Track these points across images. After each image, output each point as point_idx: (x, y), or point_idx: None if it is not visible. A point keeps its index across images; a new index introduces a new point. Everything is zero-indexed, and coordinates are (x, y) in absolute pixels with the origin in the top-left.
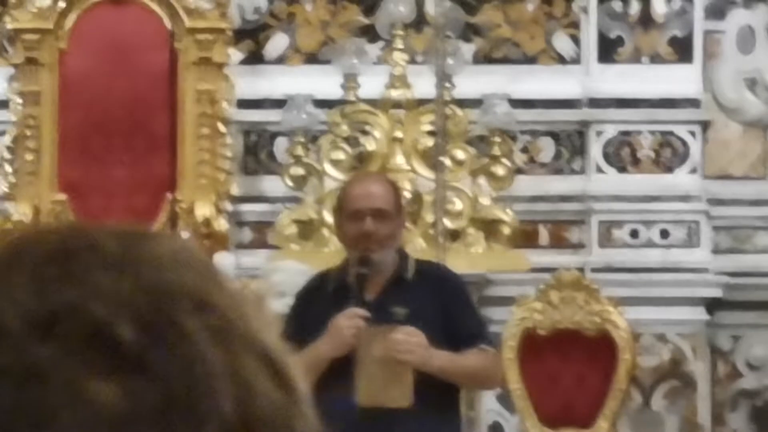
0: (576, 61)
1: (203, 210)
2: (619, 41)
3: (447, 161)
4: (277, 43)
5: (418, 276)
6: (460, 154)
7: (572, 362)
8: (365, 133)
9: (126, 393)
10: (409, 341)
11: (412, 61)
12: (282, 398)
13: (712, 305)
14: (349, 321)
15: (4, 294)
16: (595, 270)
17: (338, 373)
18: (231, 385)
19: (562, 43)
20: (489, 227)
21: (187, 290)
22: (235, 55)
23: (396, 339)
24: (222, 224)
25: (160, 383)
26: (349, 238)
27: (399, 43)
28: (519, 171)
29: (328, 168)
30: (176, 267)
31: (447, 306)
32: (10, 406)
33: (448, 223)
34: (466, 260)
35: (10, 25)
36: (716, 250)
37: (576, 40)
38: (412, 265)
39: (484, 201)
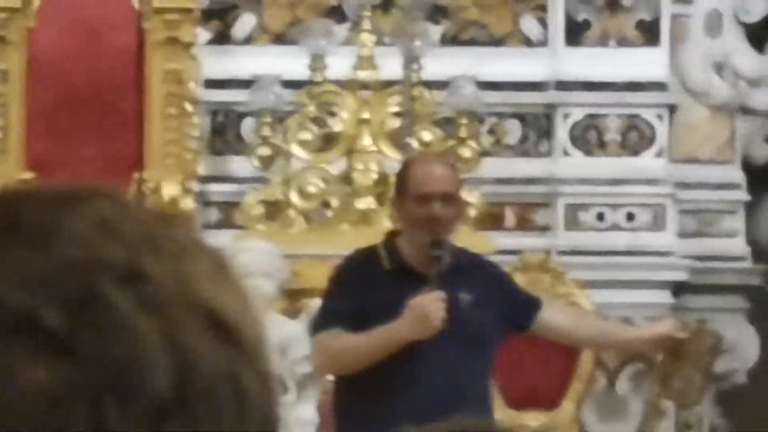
0: (543, 43)
1: (170, 190)
2: (587, 24)
3: (414, 143)
4: (244, 23)
5: (471, 265)
6: (426, 136)
7: (537, 345)
8: (332, 114)
9: (54, 377)
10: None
11: (380, 42)
12: (228, 356)
13: (678, 289)
14: (434, 304)
15: None
16: (561, 253)
17: (407, 359)
18: (167, 355)
19: (529, 25)
20: None
21: (113, 262)
22: (203, 34)
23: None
24: (189, 204)
25: (88, 364)
26: (416, 220)
27: (367, 24)
28: (485, 153)
29: (295, 149)
30: (102, 238)
31: (503, 290)
32: None
33: None
34: None
35: None
36: (682, 234)
37: (543, 22)
38: (460, 250)
39: None
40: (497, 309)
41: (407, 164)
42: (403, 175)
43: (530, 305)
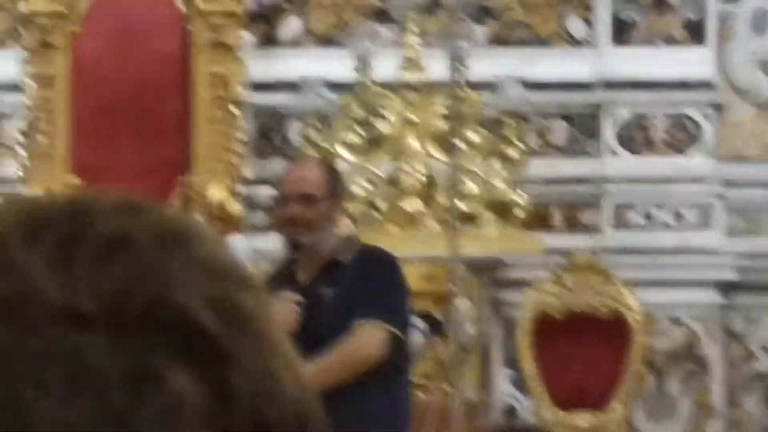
0: (589, 43)
1: (217, 193)
2: (633, 23)
3: (460, 144)
4: (290, 26)
5: (356, 260)
6: (473, 137)
7: (586, 345)
8: (378, 116)
9: (218, 386)
10: None
11: (426, 43)
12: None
13: (726, 288)
14: (283, 306)
15: (69, 275)
16: (608, 252)
17: None
18: (285, 366)
19: (575, 25)
20: (502, 210)
21: (236, 267)
22: (249, 37)
23: None
24: (235, 207)
25: (247, 374)
26: (276, 223)
27: (412, 26)
28: (532, 153)
29: (342, 151)
30: (216, 242)
31: (359, 284)
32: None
33: (461, 205)
34: (480, 243)
35: (23, 9)
36: (730, 233)
37: (589, 22)
38: (355, 249)
39: (498, 184)
40: (351, 302)
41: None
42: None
43: (362, 309)
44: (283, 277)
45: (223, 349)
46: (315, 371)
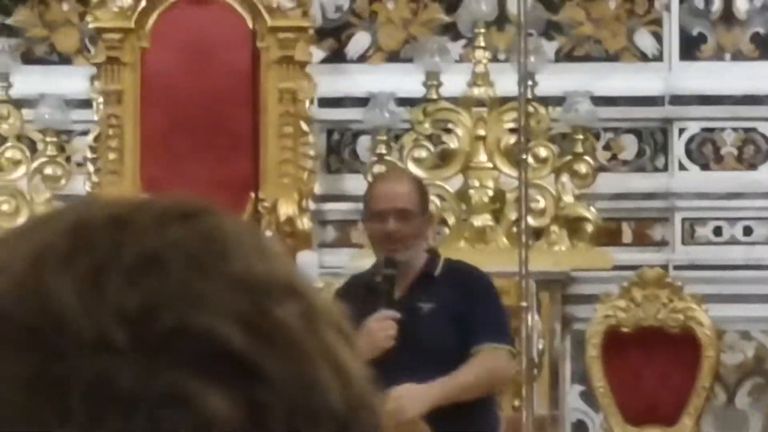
0: (658, 58)
1: (286, 209)
2: (702, 38)
3: (530, 159)
4: (359, 42)
5: (446, 274)
6: (542, 152)
7: (656, 360)
8: (448, 131)
9: (250, 405)
10: (401, 401)
11: (494, 58)
12: (362, 369)
13: None
14: (380, 324)
15: (100, 301)
16: (678, 267)
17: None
18: (332, 372)
19: (644, 40)
20: (572, 225)
21: (274, 278)
22: (317, 53)
23: (392, 405)
24: (305, 223)
25: (278, 386)
26: (373, 238)
27: (481, 41)
28: (602, 168)
29: (411, 166)
30: (255, 253)
31: (466, 304)
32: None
33: (531, 221)
34: (550, 258)
35: (92, 25)
36: None
37: (658, 37)
38: (442, 264)
39: (567, 199)
40: (454, 318)
41: (369, 184)
42: (365, 196)
43: (481, 333)
44: (379, 292)
45: (253, 366)
46: (455, 387)
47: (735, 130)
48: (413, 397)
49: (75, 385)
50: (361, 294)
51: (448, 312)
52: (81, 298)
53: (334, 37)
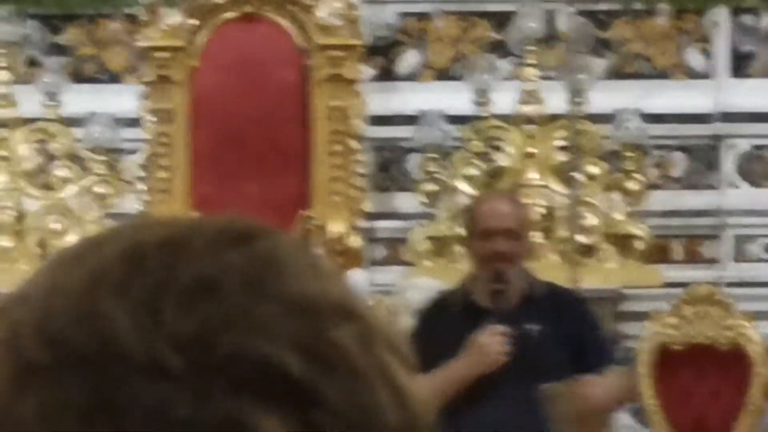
0: (707, 75)
1: (336, 227)
2: (751, 55)
3: (580, 176)
4: (408, 59)
5: (548, 296)
6: (592, 169)
7: (706, 377)
8: (498, 148)
9: (307, 430)
10: (588, 390)
11: (544, 76)
12: (416, 387)
13: None
14: (492, 338)
15: (155, 326)
16: (729, 285)
17: (472, 394)
18: (388, 394)
19: (693, 57)
20: (622, 242)
21: (330, 299)
22: (367, 71)
23: (585, 392)
24: (356, 241)
25: (337, 412)
26: (480, 256)
27: (531, 59)
28: (652, 186)
29: (461, 184)
30: (311, 274)
31: (577, 328)
32: None
33: (581, 238)
34: (600, 276)
35: (141, 43)
36: None
37: (708, 54)
38: (540, 284)
39: (618, 216)
40: (565, 342)
41: (474, 202)
42: (470, 214)
43: (600, 357)
44: (477, 309)
45: (310, 391)
46: (625, 391)
47: None
48: (600, 386)
49: (132, 412)
50: (459, 311)
51: (556, 335)
52: (136, 323)
53: (383, 55)
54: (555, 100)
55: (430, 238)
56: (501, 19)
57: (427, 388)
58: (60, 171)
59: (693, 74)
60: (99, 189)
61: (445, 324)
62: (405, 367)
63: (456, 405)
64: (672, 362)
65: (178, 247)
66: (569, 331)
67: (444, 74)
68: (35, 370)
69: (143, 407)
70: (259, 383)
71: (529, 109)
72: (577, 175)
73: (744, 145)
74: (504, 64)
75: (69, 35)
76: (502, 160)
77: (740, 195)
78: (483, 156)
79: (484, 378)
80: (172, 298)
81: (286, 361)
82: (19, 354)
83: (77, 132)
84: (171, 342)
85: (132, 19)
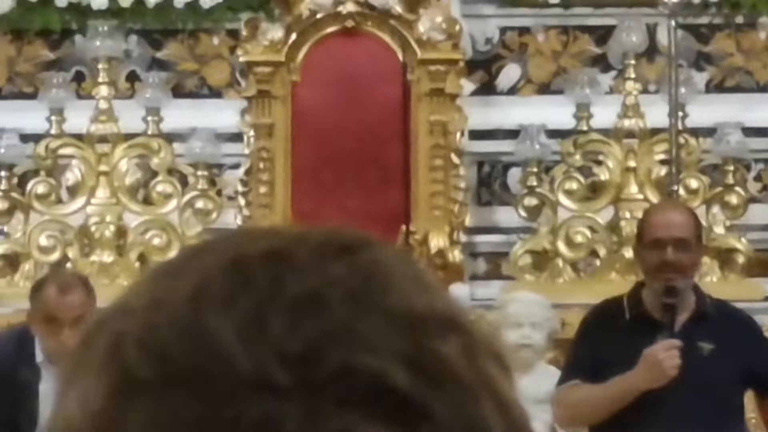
0: None
1: (437, 241)
2: None
3: (681, 190)
4: (509, 74)
5: (720, 314)
6: (693, 183)
7: None
8: (598, 162)
9: None
10: None
11: (645, 90)
12: (517, 398)
13: None
14: (666, 352)
15: (262, 341)
16: None
17: (639, 409)
18: (493, 406)
19: None
20: (723, 256)
21: (434, 312)
22: (468, 85)
23: None
24: (456, 255)
25: (445, 428)
26: (650, 266)
27: (631, 73)
28: (753, 200)
29: (562, 198)
30: (415, 286)
31: (750, 350)
32: None
33: None
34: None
35: (242, 58)
36: None
37: None
38: (711, 300)
39: (719, 230)
40: (739, 362)
41: (646, 211)
42: (640, 223)
43: None
44: (648, 321)
45: (418, 406)
46: None
47: None
48: None
49: (241, 427)
50: (629, 321)
51: (730, 355)
52: (243, 338)
53: (484, 69)
54: (656, 113)
55: (531, 252)
56: (602, 33)
57: (599, 398)
58: (161, 186)
59: None
60: (199, 204)
61: (614, 332)
62: (506, 376)
63: (620, 418)
64: None
65: (282, 260)
66: (740, 352)
67: (545, 88)
68: (141, 385)
69: (252, 422)
70: (366, 398)
71: (629, 123)
72: (677, 189)
73: None
74: (605, 78)
75: (170, 50)
76: (602, 174)
77: None
78: (583, 170)
79: (652, 393)
80: (278, 312)
81: (393, 376)
82: (123, 367)
83: (178, 147)
84: (278, 356)
85: (233, 34)
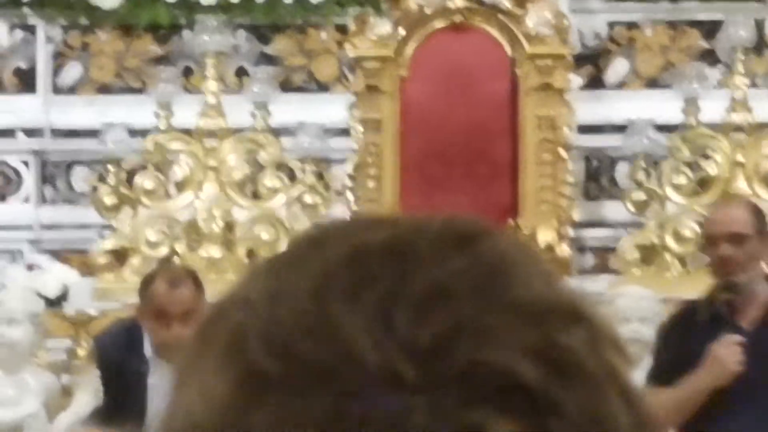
0: None
1: (545, 236)
2: None
3: None
4: (617, 68)
5: None
6: None
7: None
8: (707, 157)
9: None
10: None
11: (753, 84)
12: (638, 387)
13: None
14: (727, 349)
15: (389, 336)
16: None
17: (708, 409)
18: (619, 398)
19: None
20: None
21: (558, 303)
22: (576, 80)
23: None
24: (564, 250)
25: (572, 421)
26: (710, 263)
27: (740, 67)
28: None
29: (670, 192)
30: (537, 277)
31: None
32: None
33: None
34: None
35: (351, 53)
36: None
37: None
38: None
39: None
40: None
41: (710, 208)
42: (704, 220)
43: None
44: (720, 318)
45: (546, 400)
46: None
47: None
48: None
49: (370, 423)
50: (705, 321)
51: None
52: (370, 333)
53: (592, 64)
54: (764, 108)
55: (639, 246)
56: (710, 28)
57: (672, 401)
58: (269, 181)
59: None
60: (308, 198)
61: (691, 335)
62: (628, 366)
63: (702, 416)
64: None
65: (404, 252)
66: None
67: (653, 83)
68: (267, 380)
69: (380, 418)
70: (495, 392)
71: (738, 118)
72: None
73: None
74: (713, 73)
75: (278, 45)
76: (710, 168)
77: None
78: (692, 165)
79: (721, 391)
80: (404, 306)
81: (521, 370)
82: (247, 362)
83: (286, 142)
84: (405, 351)
85: (341, 29)
